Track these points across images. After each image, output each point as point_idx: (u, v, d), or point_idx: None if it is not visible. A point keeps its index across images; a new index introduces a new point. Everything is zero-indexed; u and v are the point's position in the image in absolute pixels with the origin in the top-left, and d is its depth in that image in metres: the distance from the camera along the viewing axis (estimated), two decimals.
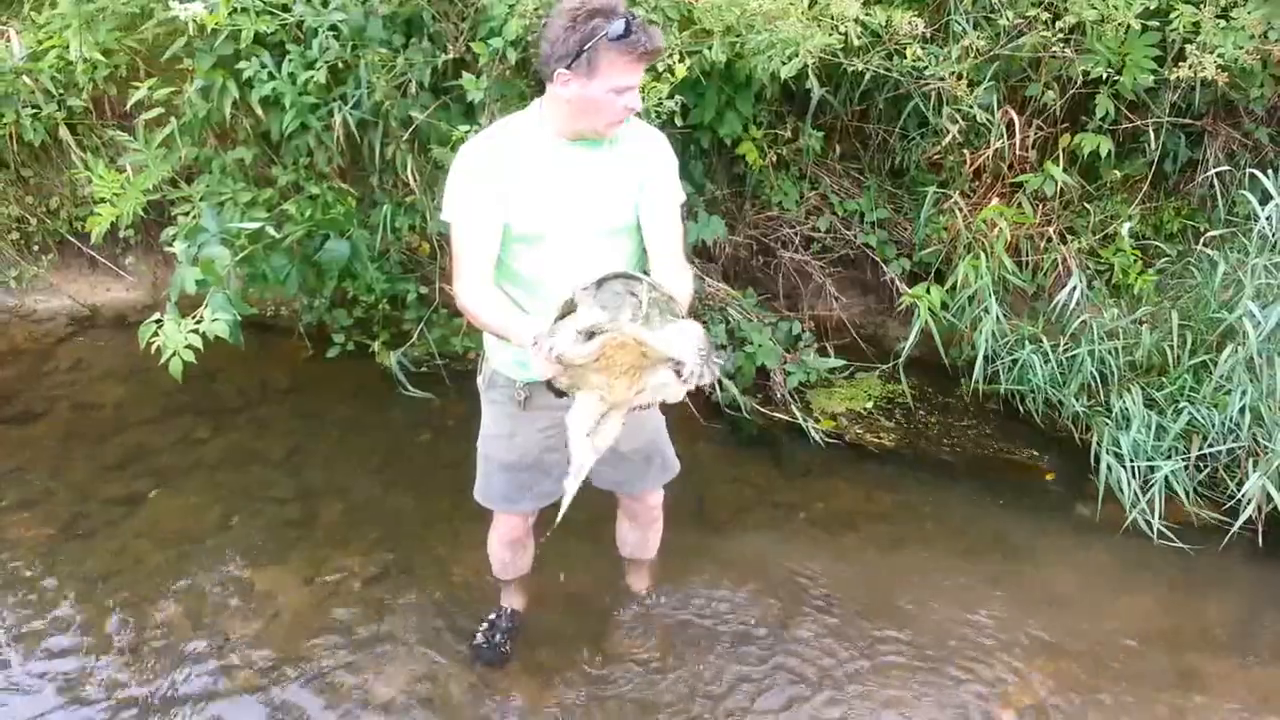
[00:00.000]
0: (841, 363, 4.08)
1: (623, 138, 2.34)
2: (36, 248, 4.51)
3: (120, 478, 3.69)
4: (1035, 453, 3.84)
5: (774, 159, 4.00)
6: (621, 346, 2.00)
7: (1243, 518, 3.37)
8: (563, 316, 2.05)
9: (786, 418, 3.91)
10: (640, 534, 3.06)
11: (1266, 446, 3.41)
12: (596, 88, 2.16)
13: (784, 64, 3.21)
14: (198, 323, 3.24)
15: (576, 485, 2.16)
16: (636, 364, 2.06)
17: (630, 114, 2.24)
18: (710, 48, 3.26)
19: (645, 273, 2.20)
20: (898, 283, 4.03)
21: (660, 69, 3.19)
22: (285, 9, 3.62)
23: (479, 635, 3.04)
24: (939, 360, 4.06)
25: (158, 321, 3.22)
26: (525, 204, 2.29)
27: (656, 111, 3.19)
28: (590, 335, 1.97)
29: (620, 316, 1.97)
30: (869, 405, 4.05)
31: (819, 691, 2.97)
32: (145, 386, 4.02)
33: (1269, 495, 3.36)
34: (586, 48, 2.12)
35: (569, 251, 2.33)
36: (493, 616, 3.08)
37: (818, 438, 3.84)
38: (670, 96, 3.21)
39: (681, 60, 3.21)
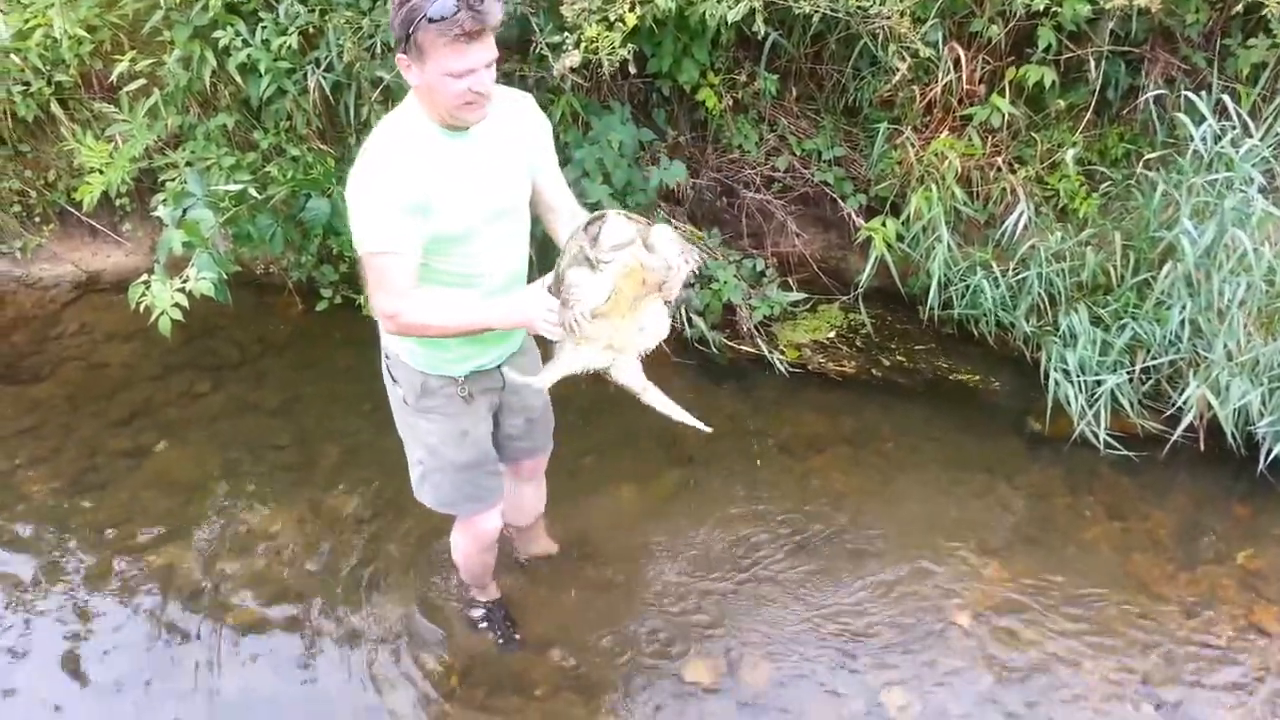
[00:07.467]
0: (802, 296, 4.01)
1: (498, 117, 2.08)
2: (38, 219, 4.43)
3: (126, 432, 3.66)
4: (988, 373, 3.78)
5: (732, 103, 3.88)
6: (629, 275, 1.99)
7: (1183, 425, 3.33)
8: (570, 266, 2.00)
9: (753, 351, 3.85)
10: (537, 489, 2.89)
11: (1205, 356, 3.36)
12: (431, 73, 1.91)
13: (730, 9, 3.09)
14: (184, 282, 3.17)
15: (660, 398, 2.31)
16: (638, 294, 2.05)
17: (480, 98, 1.96)
18: None
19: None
20: (855, 217, 3.93)
21: (612, 19, 3.08)
22: None
23: (491, 634, 2.91)
24: (897, 290, 3.99)
25: (146, 283, 3.16)
26: (448, 208, 2.06)
27: (609, 60, 3.08)
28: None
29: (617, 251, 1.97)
30: (831, 335, 3.98)
31: (789, 603, 2.99)
32: (148, 345, 3.96)
33: (1209, 403, 3.31)
34: (410, 31, 1.87)
35: (495, 239, 2.17)
36: (483, 614, 2.93)
37: (783, 368, 3.78)
38: (623, 45, 3.10)
39: (632, 9, 3.09)
